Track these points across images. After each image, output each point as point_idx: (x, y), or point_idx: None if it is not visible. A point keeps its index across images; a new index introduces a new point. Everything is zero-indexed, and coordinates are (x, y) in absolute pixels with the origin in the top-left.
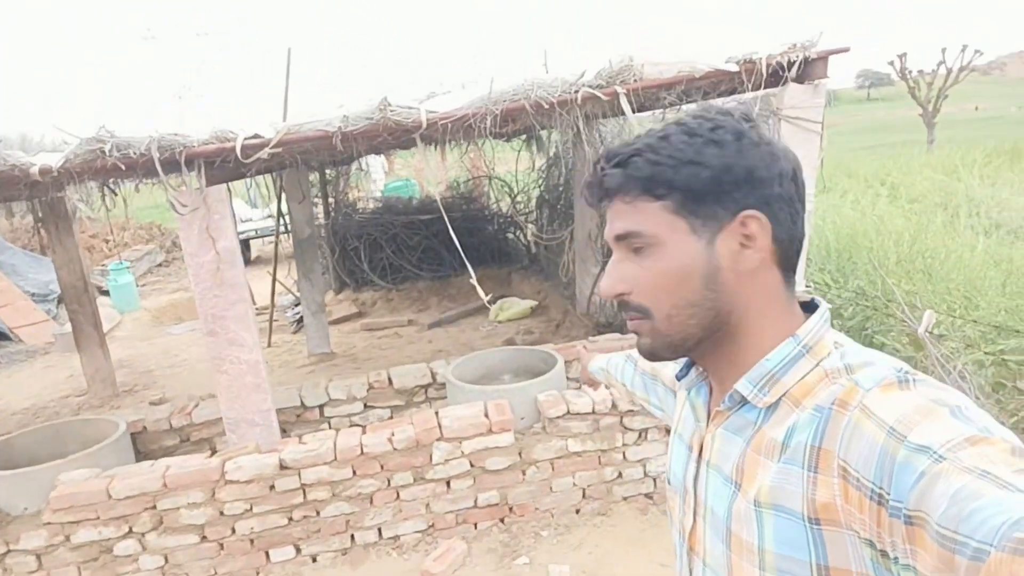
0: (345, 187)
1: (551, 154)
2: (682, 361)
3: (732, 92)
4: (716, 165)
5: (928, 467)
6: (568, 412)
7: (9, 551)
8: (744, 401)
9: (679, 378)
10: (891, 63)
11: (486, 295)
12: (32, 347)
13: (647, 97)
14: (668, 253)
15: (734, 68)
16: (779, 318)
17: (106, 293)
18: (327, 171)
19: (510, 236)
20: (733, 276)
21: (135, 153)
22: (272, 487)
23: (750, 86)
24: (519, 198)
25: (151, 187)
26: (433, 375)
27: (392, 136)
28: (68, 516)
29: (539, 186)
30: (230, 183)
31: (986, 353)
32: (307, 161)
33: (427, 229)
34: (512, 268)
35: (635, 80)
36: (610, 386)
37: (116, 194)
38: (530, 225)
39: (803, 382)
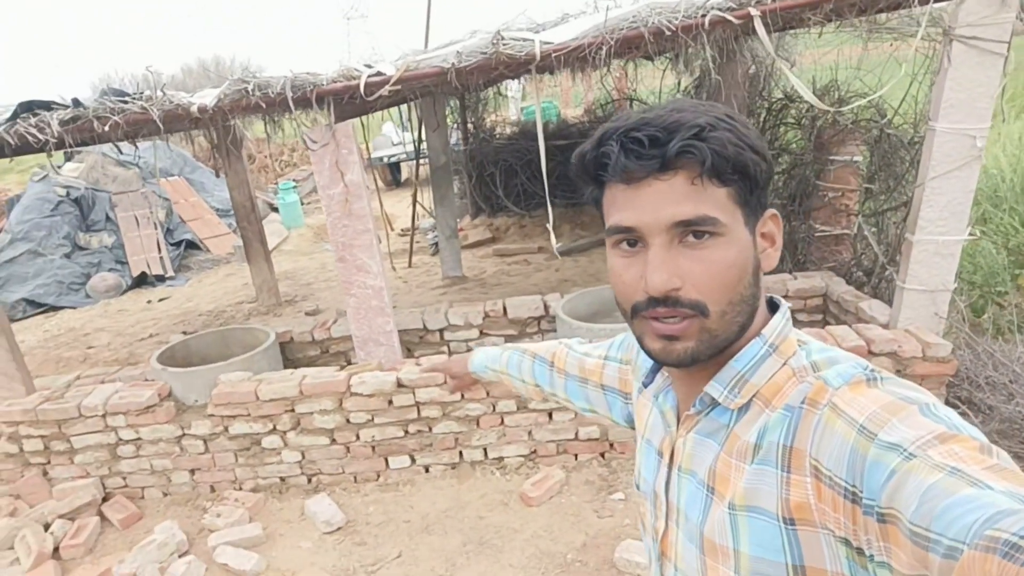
0: (483, 113)
1: (698, 75)
2: (641, 367)
3: (896, 7)
4: (768, 158)
5: (898, 465)
6: None
7: (184, 435)
8: (715, 404)
9: (645, 385)
10: None
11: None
12: (217, 256)
13: (787, 18)
14: (732, 244)
15: None
16: (758, 319)
17: (276, 210)
18: (465, 97)
19: None
20: (760, 274)
21: (272, 93)
22: (390, 402)
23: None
24: None
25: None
26: (546, 307)
27: (508, 69)
28: (226, 411)
29: None
30: (369, 115)
31: None
32: (432, 95)
33: (562, 155)
34: None
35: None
36: (496, 384)
37: (276, 122)
38: None
39: (772, 381)
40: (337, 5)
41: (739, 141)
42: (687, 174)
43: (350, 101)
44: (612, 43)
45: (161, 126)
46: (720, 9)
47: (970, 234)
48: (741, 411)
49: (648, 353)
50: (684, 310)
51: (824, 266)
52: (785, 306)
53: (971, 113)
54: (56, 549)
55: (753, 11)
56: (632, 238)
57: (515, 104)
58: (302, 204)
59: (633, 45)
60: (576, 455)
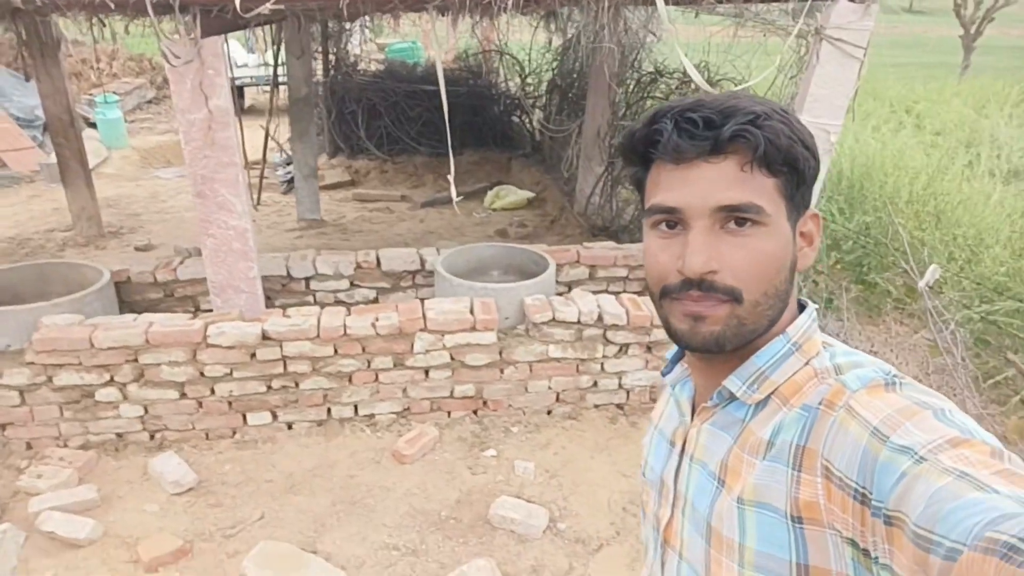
0: (346, 44)
1: (569, 35)
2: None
3: None
4: (817, 157)
5: (909, 468)
6: (553, 319)
7: None
8: (732, 398)
9: (664, 374)
10: None
11: (485, 180)
12: (17, 174)
13: None
14: (774, 235)
15: None
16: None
17: (93, 126)
18: (329, 24)
19: (515, 120)
20: (795, 272)
21: None
22: (253, 355)
23: None
24: (529, 79)
25: (143, 29)
26: (423, 261)
27: (403, 3)
28: (50, 359)
29: (552, 69)
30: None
31: (978, 313)
32: (311, 18)
33: (429, 101)
34: (513, 154)
35: None
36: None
37: (105, 25)
38: (537, 111)
39: (792, 380)
40: None
41: (792, 134)
42: (738, 160)
43: (220, 14)
44: None
45: None
46: None
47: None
48: (758, 407)
49: (673, 335)
50: (718, 295)
51: None
52: (812, 307)
53: (830, 109)
54: None
55: None
56: (673, 220)
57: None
58: (126, 123)
59: None
60: (449, 412)
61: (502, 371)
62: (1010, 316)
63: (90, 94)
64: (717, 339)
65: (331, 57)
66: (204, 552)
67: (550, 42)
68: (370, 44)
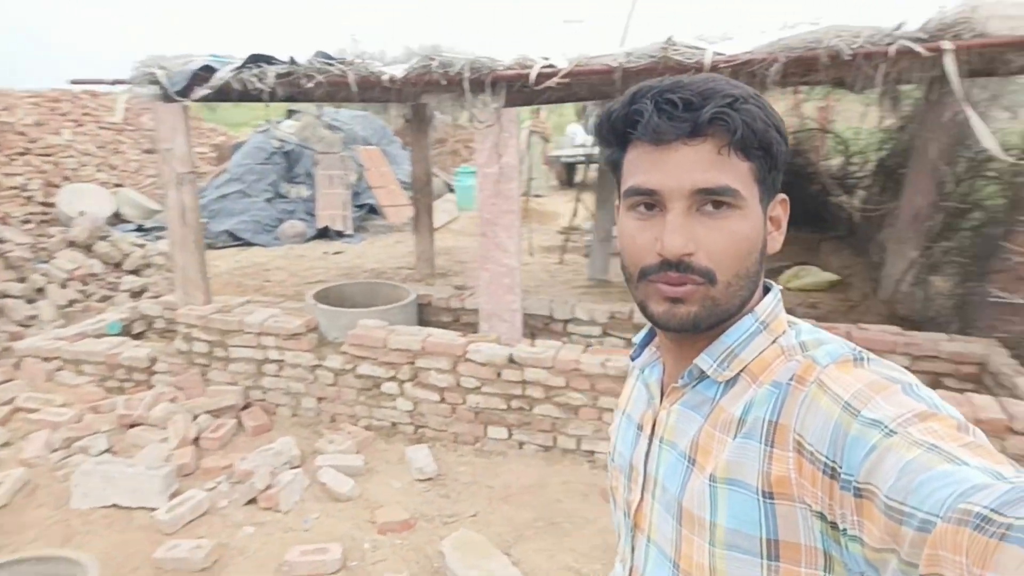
0: None
1: (905, 114)
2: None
3: None
4: (788, 141)
5: (879, 441)
6: None
7: (319, 365)
8: (702, 376)
9: (633, 359)
10: None
11: (788, 260)
12: (392, 224)
13: (986, 60)
14: (747, 218)
15: None
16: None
17: (453, 191)
18: None
19: (831, 200)
20: (765, 254)
21: (452, 71)
22: (499, 375)
23: None
24: (854, 159)
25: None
26: None
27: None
28: (357, 351)
29: (883, 148)
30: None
31: None
32: (598, 96)
33: None
34: (825, 236)
35: (972, 36)
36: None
37: (463, 107)
38: (859, 192)
39: (761, 358)
40: (557, 9)
41: (767, 118)
42: (715, 143)
43: (520, 89)
44: (783, 61)
45: (355, 89)
46: (908, 39)
47: None
48: (728, 385)
49: (650, 317)
50: (694, 276)
51: (992, 335)
52: (777, 288)
53: None
54: (197, 439)
55: (946, 45)
56: (651, 201)
57: None
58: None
59: (808, 67)
60: None
61: None
62: None
63: (457, 167)
64: (694, 320)
65: None
66: (423, 529)
67: (880, 121)
68: None
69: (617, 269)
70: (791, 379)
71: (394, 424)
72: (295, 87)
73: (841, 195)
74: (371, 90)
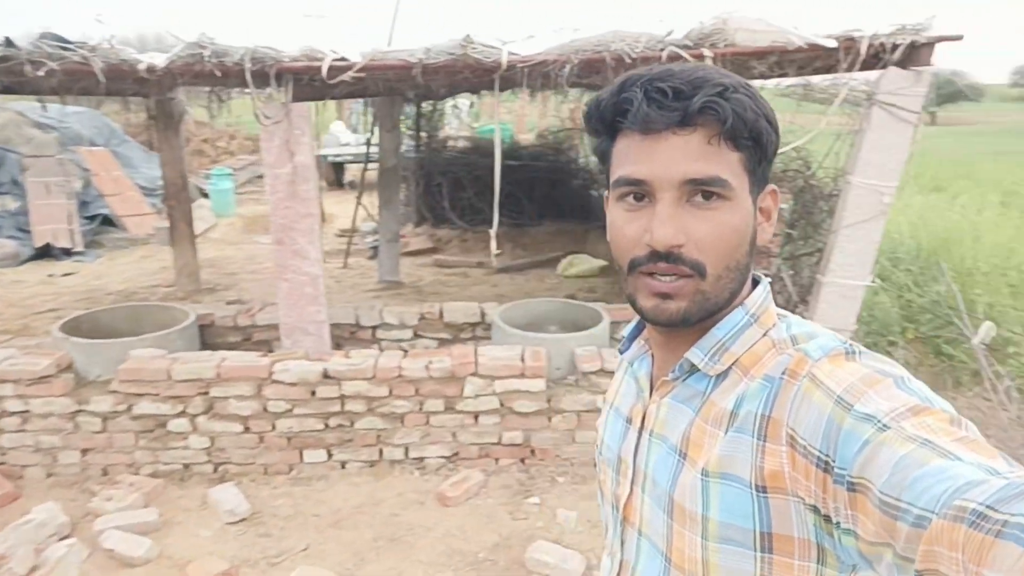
0: (438, 123)
1: None
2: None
3: (828, 70)
4: (778, 131)
5: (872, 435)
6: (602, 369)
7: (80, 410)
8: (693, 370)
9: (621, 352)
10: None
11: (560, 251)
12: (135, 236)
13: (736, 65)
14: (737, 210)
15: (832, 44)
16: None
17: (207, 196)
18: (422, 104)
19: (593, 193)
20: (755, 246)
21: (230, 62)
22: (313, 393)
23: (846, 65)
24: None
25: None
26: (483, 314)
27: (473, 75)
28: (132, 388)
29: None
30: (323, 104)
31: None
32: (394, 91)
33: (512, 176)
34: (590, 226)
35: (725, 45)
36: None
37: (223, 101)
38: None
39: (752, 351)
40: (296, 5)
41: (757, 108)
42: (705, 132)
43: (310, 83)
44: (575, 62)
45: (102, 79)
46: (677, 46)
47: (872, 281)
48: (719, 378)
49: (640, 312)
50: (684, 268)
51: None
52: (766, 281)
53: (882, 171)
54: None
55: (706, 52)
56: (640, 192)
57: (458, 120)
58: (236, 194)
59: (595, 69)
60: (497, 459)
61: (550, 419)
62: None
63: (208, 169)
64: (684, 315)
65: (422, 134)
66: None
67: None
68: (463, 125)
69: (408, 270)
70: (783, 373)
71: (187, 466)
72: (15, 75)
73: (599, 188)
74: (121, 81)
